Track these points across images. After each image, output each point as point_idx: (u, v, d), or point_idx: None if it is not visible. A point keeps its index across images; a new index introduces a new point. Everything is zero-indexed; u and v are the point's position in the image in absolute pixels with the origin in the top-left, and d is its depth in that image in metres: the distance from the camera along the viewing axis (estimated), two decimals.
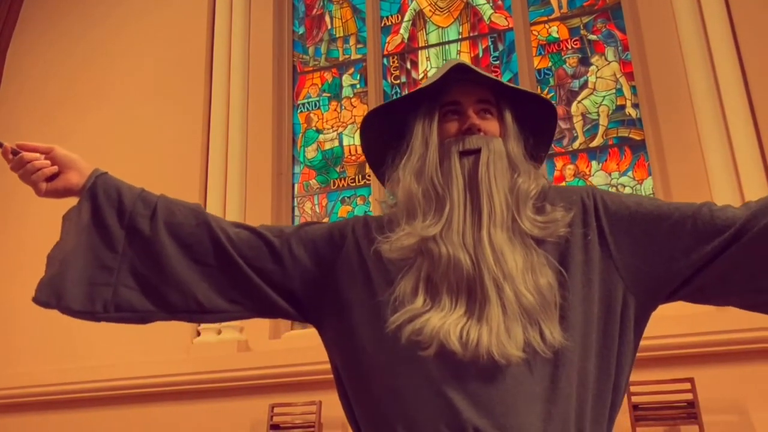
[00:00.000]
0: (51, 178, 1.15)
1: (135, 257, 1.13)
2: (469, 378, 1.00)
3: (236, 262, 1.14)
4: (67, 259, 1.10)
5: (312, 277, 1.17)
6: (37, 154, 1.15)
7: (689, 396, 3.21)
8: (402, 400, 1.04)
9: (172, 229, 1.14)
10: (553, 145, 1.28)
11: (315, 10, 5.05)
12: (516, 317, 1.01)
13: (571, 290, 1.07)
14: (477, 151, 1.13)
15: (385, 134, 1.24)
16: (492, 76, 1.21)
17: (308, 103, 4.84)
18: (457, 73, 1.19)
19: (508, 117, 1.20)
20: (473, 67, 1.20)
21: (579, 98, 4.20)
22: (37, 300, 1.09)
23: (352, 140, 4.66)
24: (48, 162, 1.15)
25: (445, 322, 1.01)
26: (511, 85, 1.22)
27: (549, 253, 1.08)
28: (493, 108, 1.20)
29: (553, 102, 1.29)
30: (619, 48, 4.23)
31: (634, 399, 3.26)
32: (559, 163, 4.15)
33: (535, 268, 1.05)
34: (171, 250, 1.13)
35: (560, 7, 4.45)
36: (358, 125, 4.65)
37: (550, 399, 1.00)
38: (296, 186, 4.68)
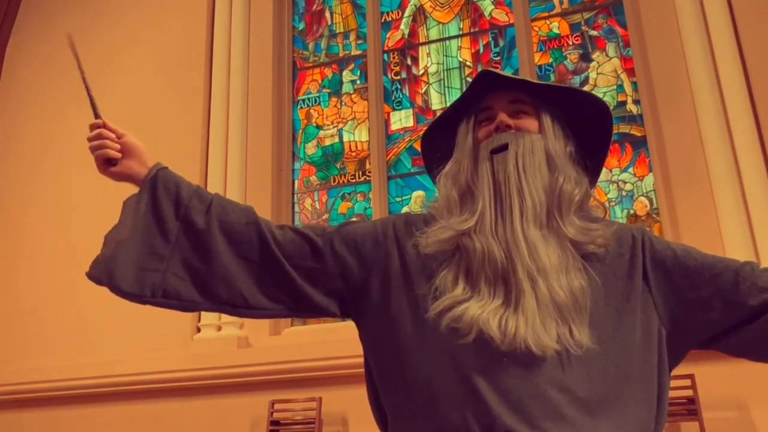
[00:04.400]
0: (112, 162, 1.21)
1: (187, 248, 1.17)
2: (503, 372, 1.01)
3: (280, 261, 1.18)
4: (122, 242, 1.15)
5: (353, 274, 1.20)
6: (113, 135, 1.23)
7: (689, 393, 3.21)
8: (433, 394, 1.05)
9: (223, 225, 1.19)
10: None
11: (315, 6, 5.03)
12: (549, 311, 1.03)
13: (607, 304, 1.08)
14: (506, 147, 1.15)
15: (442, 146, 1.29)
16: (524, 78, 1.23)
17: (308, 99, 4.83)
18: (489, 81, 1.22)
19: (545, 116, 1.21)
20: (500, 72, 1.23)
21: None
22: (90, 275, 1.15)
23: (353, 136, 4.65)
24: (117, 145, 1.22)
25: (484, 311, 1.03)
26: (540, 82, 1.24)
27: (589, 265, 1.09)
28: (529, 107, 1.21)
29: (600, 97, 1.29)
30: (620, 44, 4.22)
31: None
32: None
33: (569, 270, 1.07)
34: (221, 245, 1.17)
35: (561, 3, 4.44)
36: (359, 121, 4.65)
37: (586, 407, 1.00)
38: (296, 182, 4.67)
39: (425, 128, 1.34)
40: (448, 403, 1.03)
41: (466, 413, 1.00)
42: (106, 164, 1.21)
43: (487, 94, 1.23)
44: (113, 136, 1.22)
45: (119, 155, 1.21)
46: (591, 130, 1.26)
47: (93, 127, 1.23)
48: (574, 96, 1.26)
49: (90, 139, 1.22)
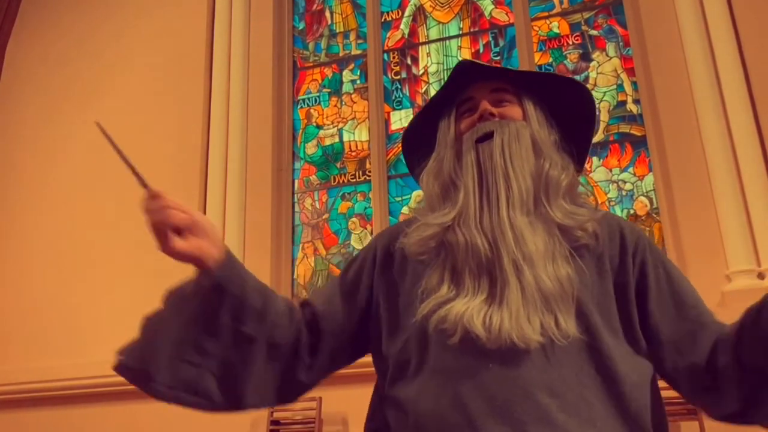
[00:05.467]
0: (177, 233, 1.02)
1: (230, 351, 1.08)
2: (490, 375, 0.97)
3: (305, 357, 1.16)
4: (162, 325, 1.10)
5: (368, 315, 1.19)
6: (179, 203, 1.03)
7: None
8: (422, 409, 1.02)
9: (271, 336, 1.11)
10: None
11: (315, 6, 5.03)
12: (534, 301, 0.99)
13: (593, 296, 1.05)
14: (491, 136, 1.12)
15: (425, 145, 1.26)
16: (503, 66, 1.22)
17: (308, 98, 4.83)
18: (469, 72, 1.19)
19: (528, 103, 1.18)
20: (478, 61, 1.20)
21: None
22: (119, 363, 1.12)
23: (353, 136, 4.65)
24: (183, 213, 1.01)
25: (468, 308, 1.00)
26: (521, 69, 1.23)
27: (578, 255, 1.06)
28: (511, 95, 1.19)
29: (581, 83, 1.25)
30: (620, 43, 4.22)
31: None
32: None
33: (556, 258, 1.03)
34: (262, 353, 1.10)
35: (561, 3, 4.44)
36: (359, 121, 4.65)
37: (575, 411, 0.96)
38: (296, 182, 4.67)
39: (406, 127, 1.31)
40: (434, 416, 1.00)
41: (453, 426, 0.97)
42: (167, 238, 0.99)
43: (467, 85, 1.20)
44: (179, 205, 1.02)
45: (189, 219, 1.01)
46: (574, 118, 1.22)
47: (151, 196, 1.01)
48: (555, 83, 1.23)
49: (149, 210, 1.00)
